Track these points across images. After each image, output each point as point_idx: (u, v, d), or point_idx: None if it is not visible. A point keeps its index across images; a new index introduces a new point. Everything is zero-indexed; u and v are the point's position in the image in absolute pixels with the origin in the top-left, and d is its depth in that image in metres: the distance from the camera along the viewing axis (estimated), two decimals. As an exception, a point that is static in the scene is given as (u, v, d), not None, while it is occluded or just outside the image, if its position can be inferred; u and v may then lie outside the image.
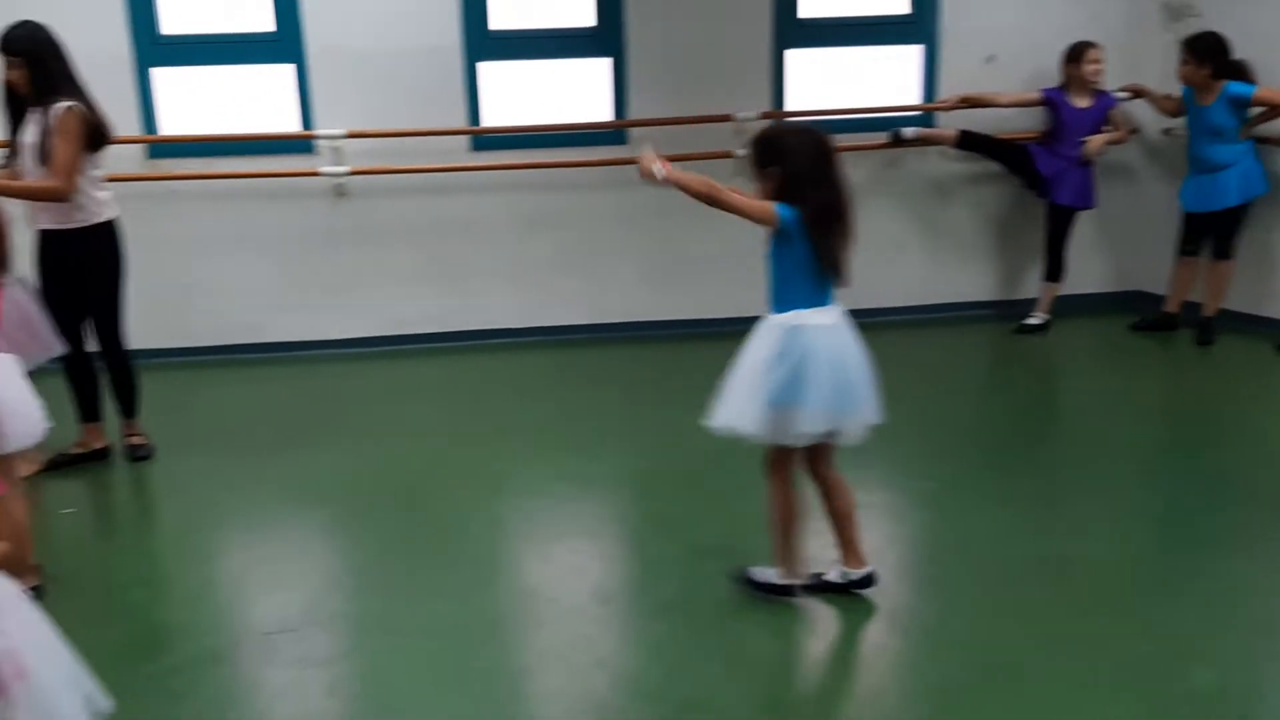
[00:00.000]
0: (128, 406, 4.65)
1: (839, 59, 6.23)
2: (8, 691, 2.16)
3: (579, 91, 6.10)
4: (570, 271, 6.18)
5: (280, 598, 3.58)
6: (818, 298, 3.26)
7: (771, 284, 3.33)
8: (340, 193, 5.88)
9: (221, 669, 3.14)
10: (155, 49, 5.66)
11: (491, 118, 5.96)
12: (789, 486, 3.36)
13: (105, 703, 2.34)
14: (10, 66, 4.24)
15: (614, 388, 5.47)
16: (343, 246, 5.99)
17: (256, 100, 5.86)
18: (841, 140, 5.98)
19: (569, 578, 3.65)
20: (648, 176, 3.23)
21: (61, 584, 3.68)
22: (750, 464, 4.39)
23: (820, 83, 6.21)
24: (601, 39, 5.95)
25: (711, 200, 3.23)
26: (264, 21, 5.71)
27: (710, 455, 4.54)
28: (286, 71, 5.75)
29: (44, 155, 4.22)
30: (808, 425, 3.17)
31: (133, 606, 3.52)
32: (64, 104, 4.25)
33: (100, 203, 4.39)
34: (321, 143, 5.78)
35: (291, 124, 5.82)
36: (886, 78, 6.30)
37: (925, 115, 6.22)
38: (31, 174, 4.26)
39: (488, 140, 5.98)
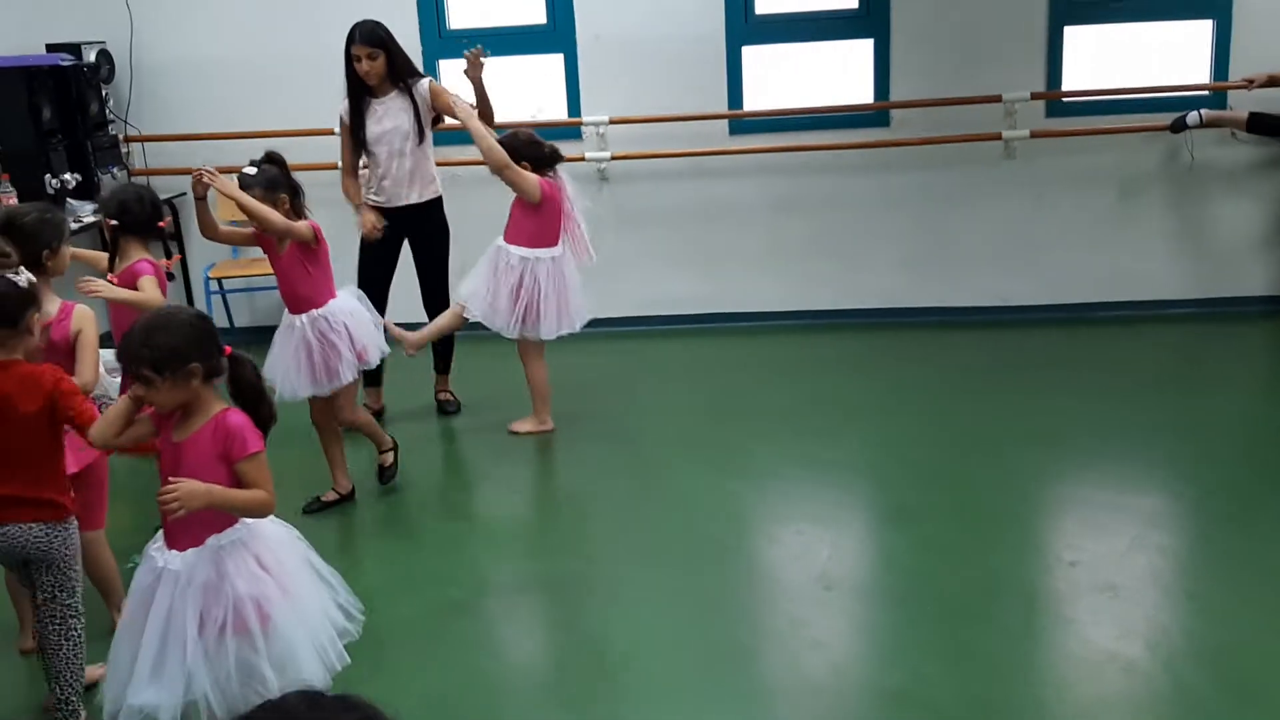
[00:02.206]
0: (445, 363, 5.13)
1: (1123, 35, 5.86)
2: (250, 633, 2.42)
3: (840, 73, 6.05)
4: (827, 255, 6.14)
5: (520, 557, 3.82)
6: None
7: None
8: (604, 177, 6.11)
9: (465, 620, 3.40)
10: (441, 42, 6.07)
11: (752, 101, 6.02)
12: None
13: (341, 658, 2.56)
14: (370, 58, 4.62)
15: (864, 375, 5.41)
16: (605, 229, 6.19)
17: (530, 89, 6.17)
18: (1123, 122, 5.75)
19: (795, 560, 3.69)
20: None
21: (337, 519, 4.09)
22: (993, 461, 4.29)
23: (1101, 61, 5.86)
24: (865, 20, 5.87)
25: None
26: (536, 14, 6.00)
27: (953, 449, 4.45)
28: (556, 61, 6.02)
29: (421, 132, 4.71)
30: None
31: (394, 552, 3.87)
32: (425, 78, 4.78)
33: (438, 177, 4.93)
34: (586, 129, 6.02)
35: (559, 111, 6.09)
36: (1174, 55, 5.87)
37: (1215, 95, 5.75)
38: (408, 155, 4.70)
39: (747, 124, 6.04)
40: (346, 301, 4.06)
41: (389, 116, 4.71)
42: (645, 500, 4.18)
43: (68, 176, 5.62)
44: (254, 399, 2.54)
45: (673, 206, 6.16)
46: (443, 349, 5.13)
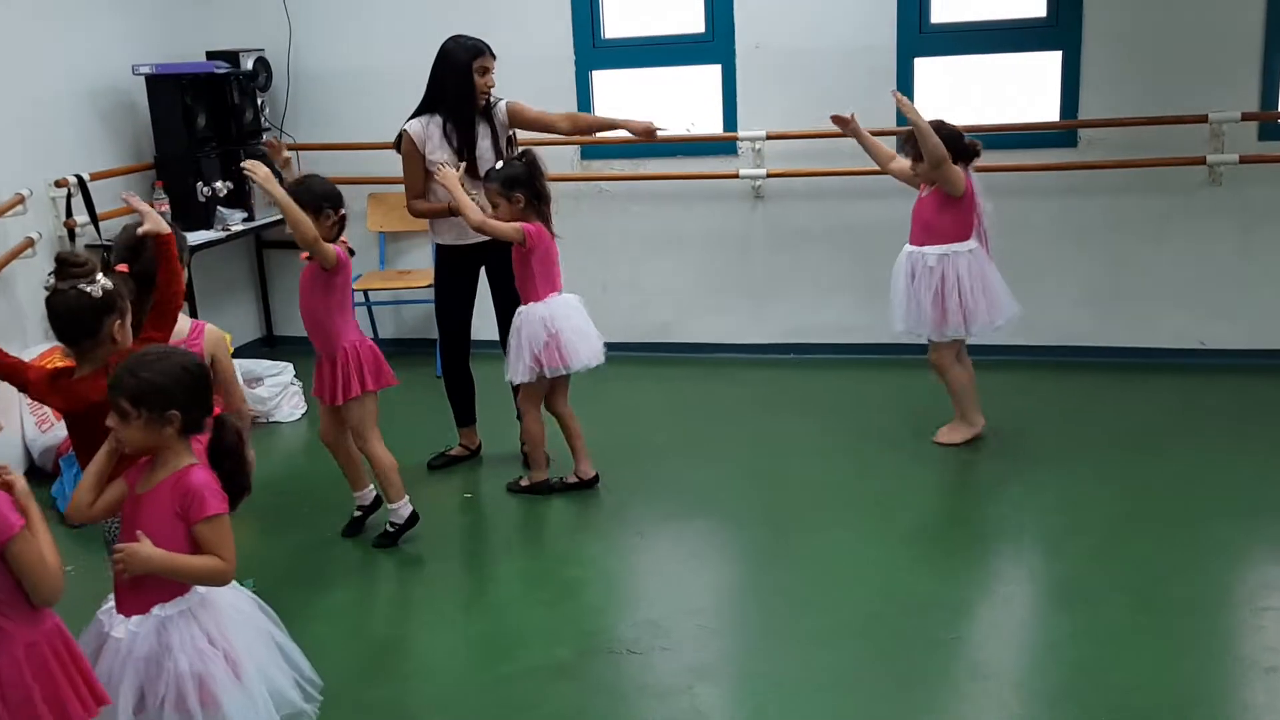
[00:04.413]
0: None
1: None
2: (190, 714, 2.22)
3: (1022, 88, 5.55)
4: (1000, 286, 5.63)
5: (634, 614, 3.51)
6: None
7: None
8: (758, 195, 5.76)
9: (566, 684, 3.11)
10: (596, 52, 5.84)
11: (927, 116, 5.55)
12: None
13: None
14: (492, 72, 4.35)
15: (1034, 421, 4.89)
16: (757, 250, 5.87)
17: (684, 101, 5.89)
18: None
19: (944, 642, 3.26)
20: None
21: (438, 568, 3.87)
22: (1181, 534, 3.73)
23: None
24: (1053, 30, 5.34)
25: None
26: (695, 23, 5.70)
27: (1133, 518, 3.93)
28: (713, 72, 5.71)
29: (499, 158, 4.33)
30: None
31: (499, 603, 3.61)
32: (500, 100, 4.43)
33: None
34: (742, 144, 5.69)
35: (715, 125, 5.78)
36: None
37: None
38: None
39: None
40: (547, 309, 4.12)
41: (483, 143, 4.38)
42: (775, 555, 3.83)
43: (219, 184, 5.64)
44: (232, 469, 2.38)
45: (832, 228, 5.76)
46: None
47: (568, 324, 4.13)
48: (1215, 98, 5.14)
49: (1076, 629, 3.26)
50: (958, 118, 5.46)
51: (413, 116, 4.43)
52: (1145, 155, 5.27)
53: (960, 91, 5.59)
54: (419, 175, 4.39)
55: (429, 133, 4.37)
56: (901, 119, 5.51)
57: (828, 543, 3.87)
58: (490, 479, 4.57)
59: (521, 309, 4.15)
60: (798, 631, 3.32)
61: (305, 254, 3.80)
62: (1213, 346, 5.44)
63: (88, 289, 2.65)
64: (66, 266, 2.70)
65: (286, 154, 4.10)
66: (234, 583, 2.43)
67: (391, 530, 3.97)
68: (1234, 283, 5.35)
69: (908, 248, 4.55)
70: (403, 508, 3.97)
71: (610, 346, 5.82)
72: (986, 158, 5.39)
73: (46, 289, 2.73)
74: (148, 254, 3.02)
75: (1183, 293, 5.42)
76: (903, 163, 4.65)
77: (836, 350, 5.87)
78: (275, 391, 5.36)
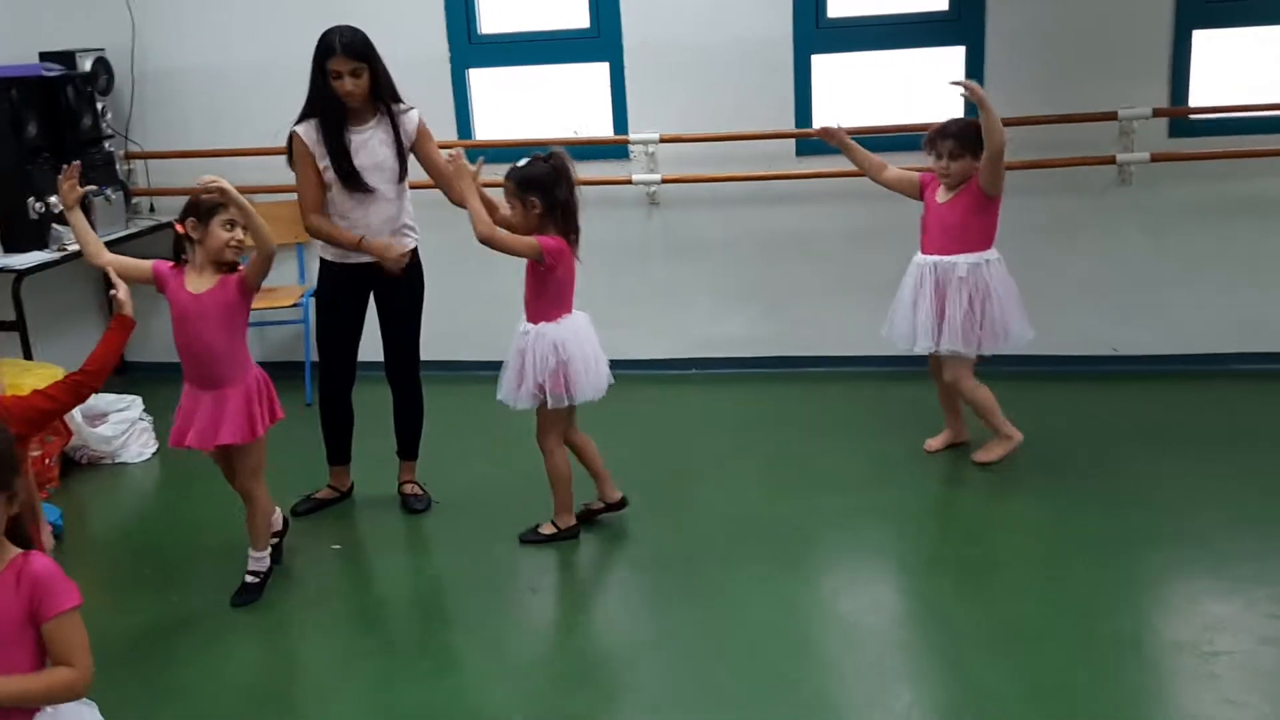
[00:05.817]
0: (411, 447, 4.28)
1: (1265, 40, 5.01)
2: None
3: (926, 86, 5.28)
4: (908, 293, 5.36)
5: (520, 683, 3.10)
6: None
7: None
8: (653, 201, 5.40)
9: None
10: (472, 49, 5.41)
11: (822, 118, 5.24)
12: None
13: None
14: (354, 75, 3.78)
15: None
16: (654, 260, 5.51)
17: (571, 101, 5.50)
18: (1263, 143, 4.88)
19: (869, 705, 2.93)
20: None
21: (302, 637, 3.42)
22: (1105, 561, 3.43)
23: (1237, 71, 5.03)
24: (955, 24, 5.08)
25: None
26: (580, 18, 5.31)
27: (1054, 545, 3.65)
28: (601, 70, 5.32)
29: (404, 171, 3.92)
30: None
31: (371, 678, 3.16)
32: (414, 109, 3.98)
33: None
34: (634, 148, 5.31)
35: (604, 127, 5.40)
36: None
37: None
38: (393, 198, 3.92)
39: (816, 144, 5.25)
40: (560, 333, 3.74)
41: (366, 150, 3.86)
42: (683, 600, 3.46)
43: (54, 199, 5.04)
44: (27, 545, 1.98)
45: (731, 236, 5.43)
46: (408, 428, 4.27)
47: (579, 351, 3.76)
48: (1124, 93, 4.93)
49: (1010, 682, 2.96)
50: (859, 118, 5.23)
51: (300, 120, 3.92)
52: (1053, 155, 5.04)
53: (861, 89, 5.31)
54: (313, 185, 3.88)
55: (316, 137, 3.87)
56: (802, 118, 5.25)
57: (737, 583, 3.53)
58: (365, 527, 4.12)
59: (530, 328, 3.75)
60: (698, 694, 2.96)
61: (232, 273, 3.48)
62: (1125, 353, 5.25)
63: None
64: None
65: (81, 190, 3.64)
66: None
67: (255, 582, 3.61)
68: (1145, 285, 5.16)
69: (928, 258, 4.20)
70: (266, 557, 3.65)
71: (495, 366, 5.43)
72: (892, 160, 5.09)
73: None
74: None
75: (1093, 297, 5.21)
76: (900, 171, 4.34)
77: (740, 364, 5.54)
78: (121, 429, 4.81)
